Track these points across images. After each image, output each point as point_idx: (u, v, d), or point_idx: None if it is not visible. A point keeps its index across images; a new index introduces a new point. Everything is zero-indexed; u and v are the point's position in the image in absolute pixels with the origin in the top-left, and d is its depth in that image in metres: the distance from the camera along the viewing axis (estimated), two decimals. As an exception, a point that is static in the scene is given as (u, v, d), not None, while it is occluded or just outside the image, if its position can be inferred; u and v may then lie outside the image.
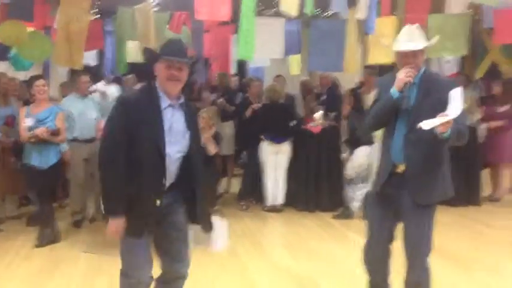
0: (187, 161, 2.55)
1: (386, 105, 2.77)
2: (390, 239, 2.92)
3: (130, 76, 6.81)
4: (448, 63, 8.22)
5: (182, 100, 2.57)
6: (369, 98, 5.93)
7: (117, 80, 7.82)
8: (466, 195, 6.13)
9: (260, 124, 5.96)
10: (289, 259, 4.34)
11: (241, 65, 8.82)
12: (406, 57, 2.72)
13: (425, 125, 2.47)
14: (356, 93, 5.95)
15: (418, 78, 2.74)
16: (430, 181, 2.72)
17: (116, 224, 2.39)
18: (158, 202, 2.45)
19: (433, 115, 2.50)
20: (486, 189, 6.55)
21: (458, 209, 5.90)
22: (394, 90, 2.71)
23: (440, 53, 6.58)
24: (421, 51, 2.74)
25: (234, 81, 7.72)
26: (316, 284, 3.80)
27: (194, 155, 2.57)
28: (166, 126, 2.45)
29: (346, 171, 5.59)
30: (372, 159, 5.24)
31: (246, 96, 6.57)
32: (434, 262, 2.85)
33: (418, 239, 2.77)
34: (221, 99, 6.53)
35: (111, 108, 2.48)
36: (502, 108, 6.28)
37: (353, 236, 4.98)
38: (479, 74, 8.14)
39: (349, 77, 7.07)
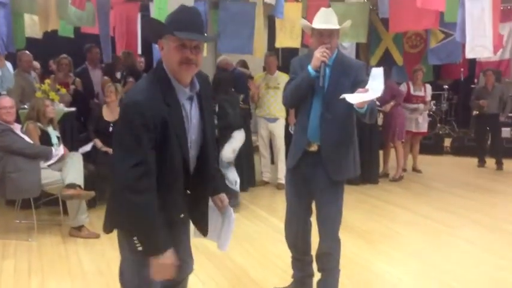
0: (201, 162, 2.07)
1: (302, 83, 2.87)
2: (307, 214, 3.10)
3: (26, 52, 6.36)
4: (345, 50, 8.72)
5: (198, 86, 2.00)
6: (272, 79, 6.18)
7: (11, 57, 7.26)
8: (365, 174, 6.59)
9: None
10: (203, 241, 4.40)
11: (148, 46, 8.60)
12: (323, 37, 2.82)
13: (350, 98, 2.59)
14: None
15: (332, 60, 2.88)
16: (343, 158, 2.92)
17: (169, 259, 1.88)
18: (182, 215, 2.10)
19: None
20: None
21: (358, 187, 6.38)
22: (310, 69, 2.83)
23: (342, 39, 6.97)
24: (337, 33, 2.87)
25: (140, 62, 7.55)
26: (232, 261, 3.92)
27: (210, 154, 2.09)
28: (187, 128, 1.96)
29: (225, 154, 5.27)
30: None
31: None
32: (340, 235, 3.09)
33: (332, 213, 2.97)
34: (131, 79, 6.35)
35: (123, 117, 1.87)
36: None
37: (264, 215, 5.22)
38: (373, 61, 8.77)
39: (258, 61, 7.24)
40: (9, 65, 6.73)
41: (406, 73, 7.99)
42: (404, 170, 7.54)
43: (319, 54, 2.79)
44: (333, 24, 2.84)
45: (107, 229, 2.07)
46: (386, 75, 6.57)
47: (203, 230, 2.22)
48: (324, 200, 2.97)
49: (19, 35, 7.02)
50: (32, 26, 7.35)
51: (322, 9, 2.92)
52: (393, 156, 7.10)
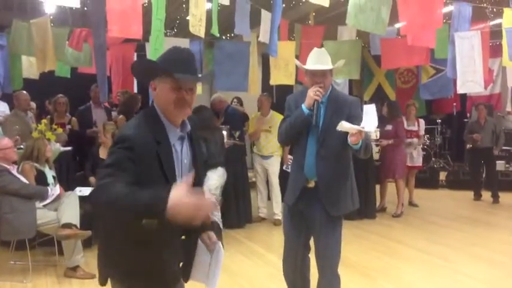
0: None
1: (297, 121, 2.91)
2: (306, 250, 3.10)
3: (23, 92, 6.41)
4: (338, 86, 8.87)
5: (189, 127, 1.97)
6: (266, 120, 6.24)
7: (6, 97, 7.31)
8: (362, 209, 6.58)
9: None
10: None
11: (142, 84, 8.70)
12: (316, 77, 2.88)
13: (341, 126, 2.66)
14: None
15: (326, 98, 2.93)
16: (340, 193, 2.93)
17: (181, 190, 1.56)
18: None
19: (340, 132, 2.72)
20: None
21: (355, 222, 6.34)
22: (304, 107, 2.88)
23: (336, 75, 7.10)
24: (330, 72, 2.94)
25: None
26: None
27: None
28: (177, 169, 1.89)
29: None
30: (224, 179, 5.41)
31: None
32: (340, 272, 3.05)
33: (330, 248, 2.96)
34: (121, 116, 6.37)
35: (111, 151, 1.79)
36: (387, 127, 6.86)
37: (260, 251, 5.16)
38: (366, 96, 8.93)
39: (253, 97, 7.32)
40: (5, 105, 6.79)
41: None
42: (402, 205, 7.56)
43: (312, 93, 2.84)
44: (326, 65, 2.91)
45: (102, 280, 1.96)
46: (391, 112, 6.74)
47: (187, 273, 2.09)
48: (322, 235, 2.96)
49: (16, 76, 7.13)
50: (29, 67, 7.45)
51: (315, 50, 2.99)
52: (390, 190, 7.10)
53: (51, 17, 6.95)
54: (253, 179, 6.69)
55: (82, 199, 4.68)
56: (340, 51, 6.85)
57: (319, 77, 2.88)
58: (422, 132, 7.52)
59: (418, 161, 7.48)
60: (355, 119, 2.77)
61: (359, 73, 7.36)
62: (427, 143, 10.17)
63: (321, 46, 7.07)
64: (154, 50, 5.07)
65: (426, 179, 9.03)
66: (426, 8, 5.46)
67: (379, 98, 9.07)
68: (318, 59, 2.92)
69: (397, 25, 6.95)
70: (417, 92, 8.33)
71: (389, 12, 5.65)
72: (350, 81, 9.18)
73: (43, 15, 6.66)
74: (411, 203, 7.62)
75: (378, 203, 7.03)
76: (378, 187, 7.06)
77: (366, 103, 10.65)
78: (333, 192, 2.91)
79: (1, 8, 8.71)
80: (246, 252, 5.12)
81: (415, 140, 7.26)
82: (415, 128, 7.33)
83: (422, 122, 7.54)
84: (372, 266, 4.67)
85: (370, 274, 4.46)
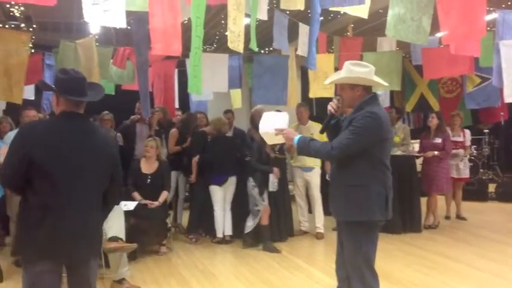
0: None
1: (331, 129, 3.14)
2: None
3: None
4: (380, 97, 8.72)
5: None
6: (305, 128, 6.22)
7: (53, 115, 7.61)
8: (408, 222, 6.45)
9: (208, 156, 5.98)
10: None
11: (184, 99, 8.87)
12: (338, 89, 3.08)
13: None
14: None
15: (353, 111, 2.99)
16: (344, 199, 2.97)
17: None
18: None
19: None
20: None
21: (400, 236, 6.19)
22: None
23: (377, 87, 7.00)
24: (347, 86, 2.99)
25: (177, 115, 7.74)
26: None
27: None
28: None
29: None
30: None
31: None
32: (385, 287, 2.97)
33: (348, 255, 3.01)
34: (174, 129, 6.51)
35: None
36: (437, 140, 6.68)
37: (303, 265, 5.09)
38: (408, 107, 8.75)
39: (293, 111, 7.31)
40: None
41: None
42: (448, 217, 7.33)
43: (328, 105, 3.06)
44: (334, 78, 3.08)
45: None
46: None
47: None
48: (343, 241, 3.07)
49: (64, 94, 7.38)
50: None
51: (345, 63, 3.02)
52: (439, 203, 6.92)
53: (96, 37, 7.21)
54: (293, 193, 6.65)
55: (126, 212, 4.78)
56: (379, 63, 6.74)
57: (339, 90, 3.05)
58: (468, 143, 7.30)
59: (465, 173, 7.25)
60: (348, 126, 2.90)
61: (400, 84, 7.22)
62: (474, 154, 9.84)
63: (361, 58, 7.08)
64: (194, 67, 5.14)
65: (474, 192, 8.70)
66: (468, 17, 5.31)
67: (421, 108, 8.87)
68: (338, 73, 3.06)
69: (438, 34, 6.79)
70: (462, 101, 8.08)
71: (430, 22, 5.54)
72: (391, 92, 9.03)
73: (88, 35, 6.92)
74: (459, 216, 7.38)
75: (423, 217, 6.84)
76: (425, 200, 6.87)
77: (408, 114, 10.50)
78: (337, 197, 3.03)
79: (49, 29, 9.11)
80: (288, 266, 5.07)
81: (461, 151, 7.06)
82: (460, 139, 7.12)
83: (468, 132, 7.31)
84: (418, 282, 4.52)
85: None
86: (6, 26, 8.48)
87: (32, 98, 7.61)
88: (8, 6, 7.59)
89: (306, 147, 2.96)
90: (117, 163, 2.72)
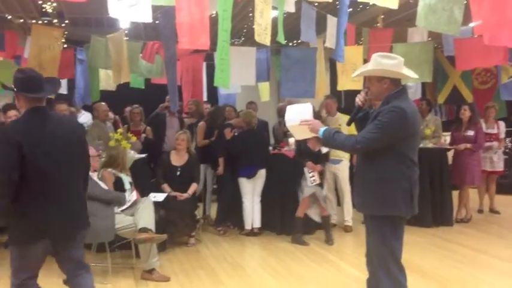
0: None
1: (359, 122, 3.12)
2: None
3: (102, 103, 6.78)
4: (410, 89, 8.57)
5: None
6: (333, 120, 6.18)
7: (86, 109, 7.79)
8: (439, 216, 6.33)
9: (237, 149, 6.00)
10: (272, 282, 4.37)
11: (212, 92, 8.93)
12: (366, 82, 3.05)
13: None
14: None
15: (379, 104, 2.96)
16: (366, 192, 2.97)
17: None
18: None
19: None
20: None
21: (431, 230, 6.10)
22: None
23: (405, 80, 6.88)
24: (374, 78, 2.93)
25: (206, 108, 7.79)
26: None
27: None
28: None
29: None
30: None
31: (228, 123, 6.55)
32: (414, 280, 2.94)
33: (372, 247, 3.02)
34: (202, 123, 6.55)
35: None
36: (469, 132, 6.53)
37: (332, 258, 5.07)
38: (440, 99, 8.56)
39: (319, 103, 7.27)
40: (88, 116, 7.24)
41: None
42: (481, 211, 7.18)
43: (356, 97, 3.05)
44: (366, 70, 3.00)
45: None
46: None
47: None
48: (367, 233, 3.09)
49: (94, 88, 7.57)
50: (107, 80, 7.89)
51: (373, 56, 2.98)
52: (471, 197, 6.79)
53: (126, 32, 7.32)
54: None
55: (156, 204, 4.86)
56: (410, 54, 6.62)
57: (367, 82, 3.02)
58: (502, 135, 7.11)
59: (499, 166, 7.06)
60: (373, 120, 2.88)
61: (431, 76, 7.06)
62: (509, 147, 9.56)
63: (390, 49, 6.96)
64: (221, 60, 5.17)
65: (508, 185, 8.47)
66: (501, 6, 5.15)
67: (454, 100, 8.67)
68: (365, 65, 3.03)
69: (471, 24, 6.62)
70: (497, 92, 7.86)
71: (462, 12, 5.40)
72: (423, 84, 8.86)
73: (119, 29, 7.03)
74: (492, 210, 7.21)
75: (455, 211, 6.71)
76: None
77: (440, 106, 10.27)
78: (360, 191, 3.04)
79: (81, 24, 9.29)
80: (317, 259, 5.06)
81: (495, 143, 6.88)
82: (494, 131, 6.95)
83: (502, 124, 7.13)
84: (449, 276, 4.44)
85: (447, 285, 4.24)
86: (40, 22, 8.69)
87: (65, 92, 7.80)
88: (40, 2, 7.76)
89: (331, 140, 2.94)
90: (85, 140, 3.06)
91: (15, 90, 2.80)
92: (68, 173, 2.81)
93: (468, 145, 6.46)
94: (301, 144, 5.66)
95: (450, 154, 6.82)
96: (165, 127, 6.86)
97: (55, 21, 8.83)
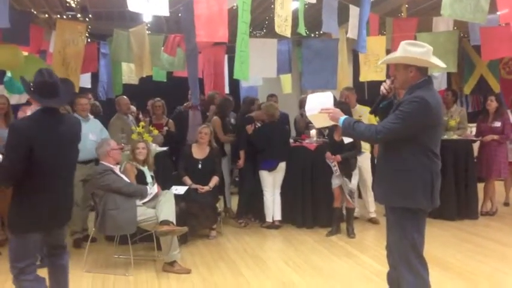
0: None
1: (383, 111, 3.08)
2: None
3: (124, 96, 6.85)
4: (436, 80, 8.41)
5: None
6: (353, 111, 6.10)
7: (109, 102, 7.88)
8: (463, 209, 6.22)
9: (260, 143, 5.99)
10: (292, 275, 4.36)
11: (234, 85, 8.92)
12: (391, 70, 3.02)
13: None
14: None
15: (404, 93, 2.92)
16: (385, 184, 2.95)
17: None
18: None
19: None
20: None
21: (455, 223, 6.00)
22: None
23: (431, 69, 6.75)
24: (402, 66, 2.88)
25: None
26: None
27: None
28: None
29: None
30: None
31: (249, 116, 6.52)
32: (437, 274, 2.90)
33: (392, 240, 2.99)
34: (215, 117, 6.54)
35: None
36: (496, 124, 6.38)
37: (353, 251, 5.04)
38: (467, 89, 8.38)
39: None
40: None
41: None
42: (507, 204, 7.03)
43: (381, 85, 3.02)
44: (393, 57, 2.96)
45: None
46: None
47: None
48: (387, 226, 3.08)
49: (117, 82, 7.65)
50: (129, 73, 7.96)
51: (401, 43, 2.92)
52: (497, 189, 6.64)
53: (148, 25, 7.35)
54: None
55: (177, 196, 4.89)
56: (434, 44, 6.35)
57: (393, 70, 2.98)
58: (530, 126, 6.90)
59: (525, 158, 6.88)
60: (394, 109, 2.84)
61: (456, 65, 6.90)
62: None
63: (414, 39, 6.82)
64: (240, 52, 5.15)
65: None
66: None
67: (481, 90, 8.48)
68: (393, 53, 2.97)
69: (499, 12, 6.43)
70: (525, 83, 7.66)
71: (489, 0, 5.26)
72: (449, 74, 8.67)
73: (141, 22, 7.07)
74: (518, 203, 7.05)
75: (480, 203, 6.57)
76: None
77: (466, 97, 10.06)
78: (381, 183, 3.01)
79: (104, 18, 9.38)
80: (338, 252, 5.03)
81: (522, 135, 6.70)
82: (522, 122, 6.75)
83: (530, 115, 6.92)
84: (473, 270, 4.36)
85: (472, 278, 4.17)
86: (64, 17, 8.81)
87: (89, 86, 7.91)
88: (64, -3, 7.88)
89: (351, 129, 2.91)
90: (79, 138, 3.25)
91: (30, 91, 3.01)
92: (68, 168, 3.12)
93: (495, 136, 6.32)
94: (331, 136, 5.65)
95: (476, 146, 6.68)
96: (187, 120, 6.89)
97: (79, 15, 8.94)
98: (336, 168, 5.51)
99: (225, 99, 6.70)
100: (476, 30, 6.95)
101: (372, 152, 6.18)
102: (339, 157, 5.48)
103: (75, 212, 5.11)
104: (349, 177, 5.57)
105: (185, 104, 7.03)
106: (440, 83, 8.47)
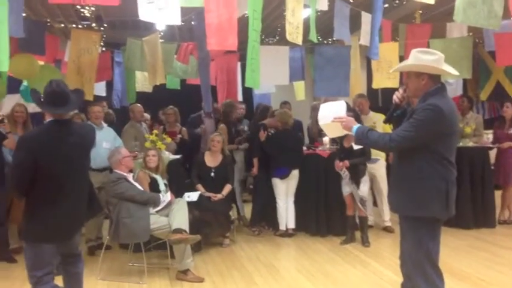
0: None
1: (396, 120, 3.06)
2: None
3: (137, 104, 6.88)
4: (451, 86, 8.32)
5: None
6: (367, 118, 6.07)
7: (124, 110, 7.93)
8: (481, 217, 6.12)
9: (273, 150, 5.98)
10: (306, 283, 4.33)
11: (247, 92, 8.93)
12: (404, 78, 3.00)
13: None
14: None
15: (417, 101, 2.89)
16: (399, 192, 2.93)
17: None
18: None
19: None
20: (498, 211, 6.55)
21: (472, 232, 5.91)
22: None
23: (446, 76, 6.69)
24: (413, 74, 2.86)
25: (241, 109, 7.79)
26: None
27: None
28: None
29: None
30: None
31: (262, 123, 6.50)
32: (453, 284, 2.85)
33: (405, 249, 2.95)
34: (222, 125, 6.55)
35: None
36: None
37: (367, 260, 4.99)
38: (483, 95, 8.28)
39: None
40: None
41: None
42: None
43: (394, 94, 3.02)
44: (404, 65, 2.95)
45: None
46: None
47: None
48: (401, 235, 3.03)
49: (131, 90, 7.71)
50: (143, 81, 8.02)
51: (412, 51, 2.90)
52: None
53: (161, 33, 7.40)
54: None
55: (190, 204, 4.89)
56: (448, 50, 6.40)
57: (406, 78, 2.94)
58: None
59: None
60: (409, 118, 2.81)
61: (471, 72, 6.82)
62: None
63: (427, 45, 6.77)
64: (251, 60, 5.15)
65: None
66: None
67: (498, 97, 8.38)
68: (406, 61, 2.94)
69: (513, 18, 6.37)
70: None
71: (503, 5, 5.20)
72: (464, 81, 8.58)
73: (155, 31, 7.12)
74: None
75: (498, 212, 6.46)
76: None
77: (483, 103, 9.95)
78: (395, 191, 2.99)
79: (118, 27, 9.47)
80: (352, 260, 4.99)
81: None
82: (539, 129, 6.63)
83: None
84: (491, 280, 4.28)
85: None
86: (79, 26, 8.92)
87: (103, 94, 7.98)
88: (78, 7, 7.96)
89: (364, 138, 2.89)
90: (93, 145, 3.29)
91: (39, 102, 3.03)
92: (79, 179, 3.10)
93: (510, 143, 6.22)
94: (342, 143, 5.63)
95: (493, 153, 6.59)
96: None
97: (93, 25, 9.04)
98: (345, 174, 5.47)
99: (226, 105, 6.72)
100: (490, 36, 6.88)
101: (387, 160, 6.12)
102: (346, 162, 5.44)
103: (90, 220, 5.15)
104: (358, 184, 5.53)
105: (203, 117, 6.96)
106: (455, 89, 8.37)
